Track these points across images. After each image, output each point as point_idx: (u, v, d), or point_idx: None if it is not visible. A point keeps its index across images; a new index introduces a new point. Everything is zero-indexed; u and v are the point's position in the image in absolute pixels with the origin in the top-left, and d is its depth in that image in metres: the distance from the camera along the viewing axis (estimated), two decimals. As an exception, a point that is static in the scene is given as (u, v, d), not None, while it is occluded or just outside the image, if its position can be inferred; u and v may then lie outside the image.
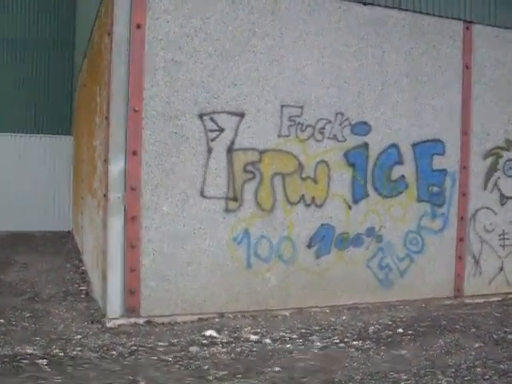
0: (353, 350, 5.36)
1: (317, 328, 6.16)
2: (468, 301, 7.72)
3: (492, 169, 7.77)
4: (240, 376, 4.50)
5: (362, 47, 6.87)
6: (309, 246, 6.70)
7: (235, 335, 5.74)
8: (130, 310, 5.88)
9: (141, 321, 5.91)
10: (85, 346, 5.09)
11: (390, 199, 7.08)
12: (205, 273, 6.20)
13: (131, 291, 5.86)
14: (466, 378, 4.59)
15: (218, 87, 6.18)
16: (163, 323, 6.02)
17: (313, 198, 6.67)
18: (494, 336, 6.00)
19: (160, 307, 6.01)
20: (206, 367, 4.73)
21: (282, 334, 5.90)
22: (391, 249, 7.12)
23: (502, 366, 4.93)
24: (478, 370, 4.82)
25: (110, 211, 5.80)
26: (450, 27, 7.43)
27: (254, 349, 5.38)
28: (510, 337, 6.00)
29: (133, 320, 5.87)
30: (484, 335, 5.99)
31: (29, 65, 13.55)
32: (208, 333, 5.68)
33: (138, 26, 5.79)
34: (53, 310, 6.42)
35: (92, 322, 5.90)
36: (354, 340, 5.76)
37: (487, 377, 4.63)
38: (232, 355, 5.11)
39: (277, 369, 4.79)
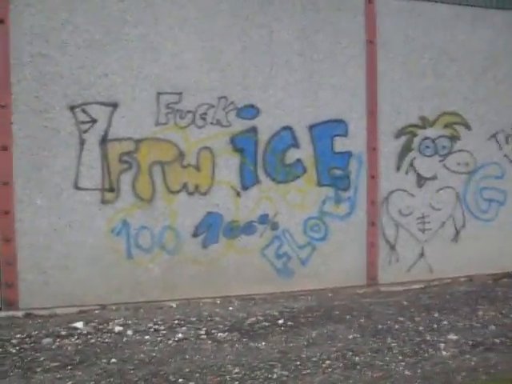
0: (211, 342, 6.31)
1: (193, 319, 7.14)
2: (384, 289, 8.60)
3: (406, 149, 8.62)
4: (70, 368, 5.45)
5: (247, 28, 7.85)
6: (194, 236, 7.73)
7: (101, 327, 6.78)
8: (9, 303, 7.05)
9: (20, 314, 7.09)
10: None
11: (286, 184, 8.03)
12: (84, 265, 7.37)
13: (8, 284, 7.05)
14: (306, 372, 5.47)
15: (89, 78, 7.33)
16: (42, 316, 7.12)
17: (196, 186, 7.69)
18: (379, 327, 6.86)
19: (40, 300, 7.22)
20: (42, 359, 5.75)
21: (150, 325, 6.90)
22: (289, 236, 8.03)
23: (357, 358, 5.82)
24: (327, 362, 5.70)
25: (-19, 206, 6.90)
26: (349, 2, 8.40)
27: (108, 340, 6.36)
28: (396, 326, 6.89)
29: (11, 313, 7.04)
30: (367, 326, 6.88)
31: None
32: (74, 324, 6.75)
33: (1, 21, 6.91)
34: None
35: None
36: (222, 332, 6.67)
37: (330, 369, 5.52)
38: (79, 347, 6.09)
39: (113, 360, 5.68)
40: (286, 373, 5.39)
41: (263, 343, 6.26)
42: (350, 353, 5.93)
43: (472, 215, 9.18)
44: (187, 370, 5.45)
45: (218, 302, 7.82)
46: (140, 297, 7.51)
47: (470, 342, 6.32)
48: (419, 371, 5.44)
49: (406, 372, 5.43)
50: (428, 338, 6.46)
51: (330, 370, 5.47)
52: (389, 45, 8.46)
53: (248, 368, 5.48)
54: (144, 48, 7.46)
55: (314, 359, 5.74)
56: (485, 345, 6.25)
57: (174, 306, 7.64)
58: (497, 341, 6.39)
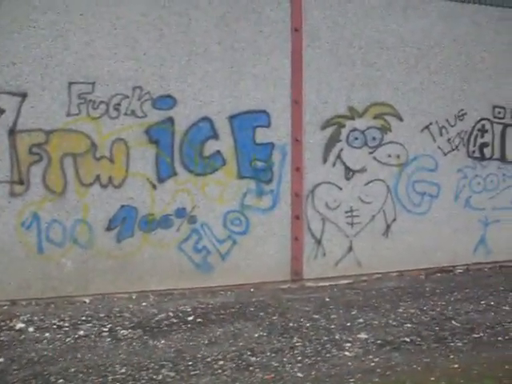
0: (110, 339, 6.52)
1: (102, 315, 7.38)
2: (309, 284, 8.87)
3: (333, 140, 8.88)
4: None
5: (164, 16, 8.01)
6: (108, 229, 7.93)
7: (2, 324, 6.98)
8: None
9: None
10: None
11: (204, 177, 8.26)
12: (-8, 260, 7.40)
13: None
14: (195, 373, 5.52)
15: (-4, 67, 7.35)
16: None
17: (110, 179, 7.91)
18: (290, 324, 7.12)
19: None
20: None
21: (55, 322, 7.13)
22: (208, 230, 8.26)
23: (254, 358, 5.99)
24: (221, 363, 5.89)
25: None
26: (273, -12, 8.39)
27: (3, 338, 6.55)
28: (308, 324, 7.15)
29: None
30: (278, 324, 7.15)
31: None
32: (-27, 321, 6.88)
33: None
34: None
35: None
36: (126, 329, 6.90)
37: (220, 371, 5.68)
38: (-29, 344, 6.24)
39: (0, 360, 5.90)
40: (172, 374, 5.60)
41: (163, 341, 6.50)
42: (249, 353, 6.17)
43: (404, 209, 9.44)
44: (73, 370, 5.62)
45: (134, 297, 8.06)
46: (52, 292, 7.74)
47: (379, 342, 6.57)
48: (313, 373, 5.67)
49: (299, 374, 5.65)
50: (337, 336, 6.73)
51: (220, 371, 5.66)
52: (316, 33, 8.73)
53: (136, 368, 5.70)
54: (54, 36, 7.67)
55: (209, 359, 5.96)
56: (393, 344, 6.50)
57: (87, 301, 7.86)
58: (407, 340, 6.66)
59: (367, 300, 8.17)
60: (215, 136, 8.24)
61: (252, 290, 8.56)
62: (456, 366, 5.85)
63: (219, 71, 8.26)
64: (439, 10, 9.58)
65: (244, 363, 5.87)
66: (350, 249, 9.07)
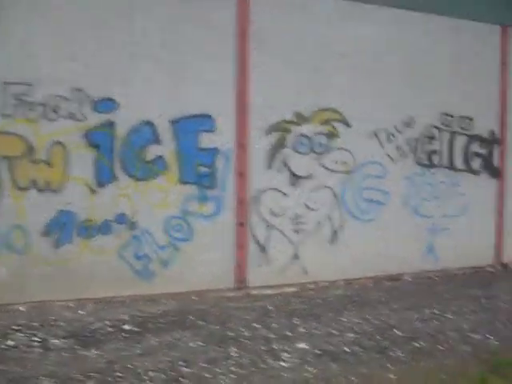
0: (40, 350, 6.34)
1: (35, 324, 7.22)
2: (255, 292, 8.80)
3: (278, 145, 8.78)
4: None
5: (107, 17, 7.96)
6: (45, 235, 7.75)
7: None
8: None
9: None
10: None
11: (146, 182, 8.15)
12: None
13: None
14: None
15: None
16: None
17: (47, 183, 7.77)
18: (229, 334, 7.05)
19: None
20: None
21: (-16, 332, 6.83)
22: (149, 237, 8.12)
23: (187, 369, 5.90)
24: (151, 374, 5.77)
25: None
26: (221, -9, 8.38)
27: None
28: (247, 334, 7.11)
29: None
30: (217, 333, 7.08)
31: None
32: None
33: None
34: None
35: None
36: (58, 338, 6.73)
37: (150, 383, 5.65)
38: None
39: None
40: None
41: (95, 351, 6.38)
42: (182, 363, 6.08)
43: (351, 216, 9.45)
44: (-6, 381, 5.41)
45: (72, 305, 7.93)
46: (-15, 300, 7.45)
47: (318, 352, 6.54)
48: (245, 385, 5.49)
49: (229, 386, 5.46)
50: (275, 346, 6.68)
51: (149, 382, 5.59)
52: (263, 36, 8.69)
53: (62, 380, 5.54)
54: (-11, 34, 7.35)
55: (139, 370, 5.85)
56: (332, 354, 6.48)
57: (23, 309, 7.67)
58: (347, 350, 6.66)
59: (311, 309, 8.12)
60: (157, 140, 8.16)
61: (195, 298, 8.43)
62: (392, 376, 5.86)
63: (162, 74, 8.14)
64: (389, 17, 9.63)
65: (175, 374, 5.80)
66: (296, 256, 9.04)
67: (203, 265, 8.48)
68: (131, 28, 8.05)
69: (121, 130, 8.06)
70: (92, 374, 5.70)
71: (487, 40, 10.69)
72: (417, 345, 6.80)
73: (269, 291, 8.89)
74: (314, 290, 9.19)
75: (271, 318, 7.66)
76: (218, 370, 5.91)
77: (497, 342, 6.92)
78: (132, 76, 8.06)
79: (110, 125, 8.00)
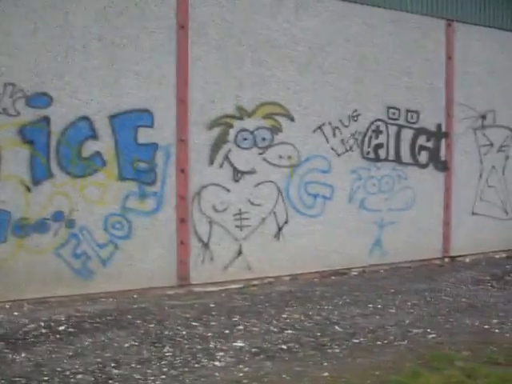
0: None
1: (-34, 328, 6.85)
2: (197, 289, 8.68)
3: (220, 140, 8.67)
4: None
5: (37, 8, 7.71)
6: (-22, 234, 7.46)
7: None
8: None
9: None
10: None
11: (83, 179, 7.98)
12: None
13: None
14: None
15: None
16: None
17: (-21, 181, 7.43)
18: (166, 333, 6.90)
19: None
20: None
21: None
22: (88, 234, 7.95)
23: (117, 370, 5.74)
24: (79, 376, 5.59)
25: None
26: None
27: None
28: (184, 332, 6.95)
29: None
30: (153, 332, 6.94)
31: None
32: None
33: None
34: None
35: None
36: (-11, 342, 6.42)
37: None
38: None
39: None
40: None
41: (23, 354, 6.18)
42: (113, 364, 5.92)
43: (296, 211, 9.38)
44: None
45: (7, 306, 7.75)
46: None
47: (254, 350, 6.43)
48: (175, 385, 5.37)
49: (158, 387, 5.34)
50: (211, 345, 6.56)
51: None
52: (203, 30, 8.59)
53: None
54: None
55: (68, 372, 5.66)
56: (268, 352, 6.38)
57: (-46, 312, 7.31)
58: (284, 347, 6.56)
59: (253, 305, 8.07)
60: (95, 136, 8.00)
61: (136, 296, 8.30)
62: (326, 374, 5.79)
63: (99, 68, 8.01)
64: (332, 10, 9.60)
65: (104, 376, 5.62)
66: (240, 252, 8.96)
67: (144, 262, 8.35)
68: (66, 21, 7.88)
69: (57, 126, 7.87)
70: (17, 378, 5.49)
71: (433, 34, 10.74)
72: (356, 341, 6.76)
73: (212, 288, 8.79)
74: (258, 286, 9.12)
75: (211, 315, 7.55)
76: (149, 370, 5.77)
77: (436, 336, 6.84)
78: (68, 70, 7.90)
79: (45, 120, 7.81)
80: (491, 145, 11.58)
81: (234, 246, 8.93)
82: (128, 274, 8.29)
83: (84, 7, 7.96)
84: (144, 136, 8.26)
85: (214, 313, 7.73)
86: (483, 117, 11.39)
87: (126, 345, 6.49)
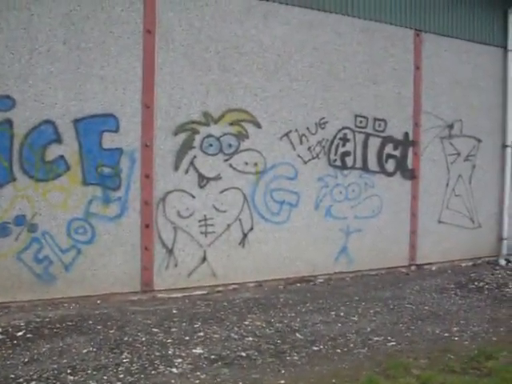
0: None
1: None
2: (161, 295, 8.63)
3: (186, 146, 8.65)
4: None
5: (1, 9, 7.69)
6: None
7: None
8: None
9: None
10: None
11: (46, 183, 7.90)
12: None
13: None
14: None
15: None
16: None
17: None
18: (125, 339, 6.86)
19: None
20: None
21: None
22: (50, 239, 7.88)
23: (72, 377, 5.71)
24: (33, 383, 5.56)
25: None
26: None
27: None
28: (144, 338, 6.95)
29: None
30: (113, 338, 6.93)
31: None
32: None
33: None
34: None
35: None
36: None
37: None
38: None
39: None
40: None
41: (-21, 362, 5.97)
42: (69, 371, 5.87)
43: (261, 218, 9.38)
44: None
45: (-34, 312, 7.45)
46: None
47: (212, 357, 6.43)
48: (127, 393, 5.33)
49: (108, 394, 5.30)
50: (170, 352, 6.56)
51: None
52: (170, 35, 8.56)
53: None
54: None
55: (21, 380, 5.63)
56: (227, 359, 6.39)
57: None
58: (243, 354, 6.58)
59: (216, 312, 8.05)
60: (58, 140, 7.95)
61: (98, 301, 8.26)
62: (283, 381, 5.81)
63: (64, 72, 7.96)
64: (300, 18, 9.61)
65: (59, 383, 5.56)
66: (204, 259, 8.95)
67: (107, 268, 8.30)
68: (31, 23, 7.83)
69: (20, 129, 7.82)
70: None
71: (401, 44, 10.82)
72: (316, 348, 6.77)
73: (176, 294, 8.77)
74: (222, 292, 9.09)
75: (173, 322, 7.54)
76: (105, 377, 5.76)
77: (396, 344, 6.88)
78: (32, 73, 7.85)
79: (8, 123, 7.75)
80: (458, 154, 11.63)
81: (199, 253, 8.91)
82: (91, 279, 8.22)
83: (49, 10, 7.88)
84: (109, 141, 8.22)
85: (175, 319, 7.68)
86: (450, 126, 11.45)
87: (84, 351, 6.46)
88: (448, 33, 11.31)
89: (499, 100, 12.20)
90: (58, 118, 7.98)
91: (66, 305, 8.12)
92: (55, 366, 6.00)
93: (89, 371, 5.91)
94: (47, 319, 7.50)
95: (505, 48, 12.19)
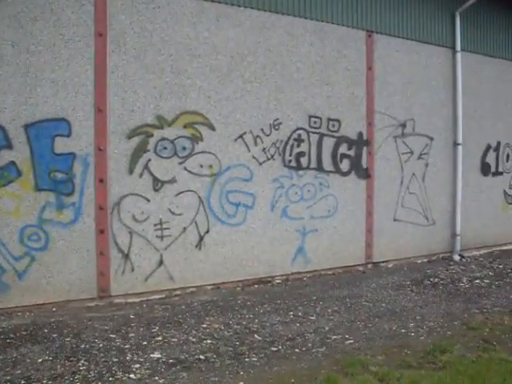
0: None
1: None
2: (118, 301, 8.52)
3: (140, 150, 8.54)
4: None
5: None
6: None
7: None
8: None
9: None
10: None
11: (-3, 190, 7.61)
12: None
13: None
14: None
15: None
16: None
17: None
18: (82, 346, 6.76)
19: None
20: None
21: None
22: (2, 247, 7.72)
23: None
24: None
25: None
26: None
27: None
28: (101, 345, 6.85)
29: None
30: (69, 346, 6.82)
31: None
32: None
33: None
34: None
35: None
36: None
37: None
38: None
39: None
40: None
41: None
42: (23, 382, 5.78)
43: (218, 220, 9.34)
44: None
45: None
46: None
47: (171, 361, 6.40)
48: (85, 400, 5.24)
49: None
50: (128, 357, 6.50)
51: None
52: (122, 38, 8.45)
53: None
54: None
55: None
56: (185, 363, 6.35)
57: None
58: (202, 357, 6.55)
59: (174, 316, 8.01)
60: (9, 146, 7.79)
61: (54, 309, 8.14)
62: (241, 383, 5.70)
63: (13, 76, 7.80)
64: (253, 20, 9.60)
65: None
66: (161, 263, 8.88)
67: (62, 274, 8.18)
68: (-23, 27, 7.52)
69: (-32, 135, 7.50)
70: None
71: (353, 44, 10.91)
72: (274, 349, 6.77)
73: (133, 299, 8.69)
74: (179, 296, 9.04)
75: (130, 327, 7.45)
76: (59, 385, 5.55)
77: (353, 342, 6.91)
78: (-21, 78, 7.53)
79: (-44, 129, 7.44)
80: (411, 152, 11.76)
81: (155, 257, 8.83)
82: (46, 286, 8.09)
83: (-3, 14, 7.63)
84: (61, 145, 8.11)
85: (133, 324, 7.59)
86: (403, 125, 11.57)
87: (40, 360, 6.35)
88: (399, 34, 11.41)
89: (450, 99, 12.30)
90: (8, 123, 7.81)
91: (20, 314, 7.95)
92: (8, 378, 5.85)
93: (44, 381, 5.81)
94: (0, 329, 7.22)
95: (453, 49, 12.28)
